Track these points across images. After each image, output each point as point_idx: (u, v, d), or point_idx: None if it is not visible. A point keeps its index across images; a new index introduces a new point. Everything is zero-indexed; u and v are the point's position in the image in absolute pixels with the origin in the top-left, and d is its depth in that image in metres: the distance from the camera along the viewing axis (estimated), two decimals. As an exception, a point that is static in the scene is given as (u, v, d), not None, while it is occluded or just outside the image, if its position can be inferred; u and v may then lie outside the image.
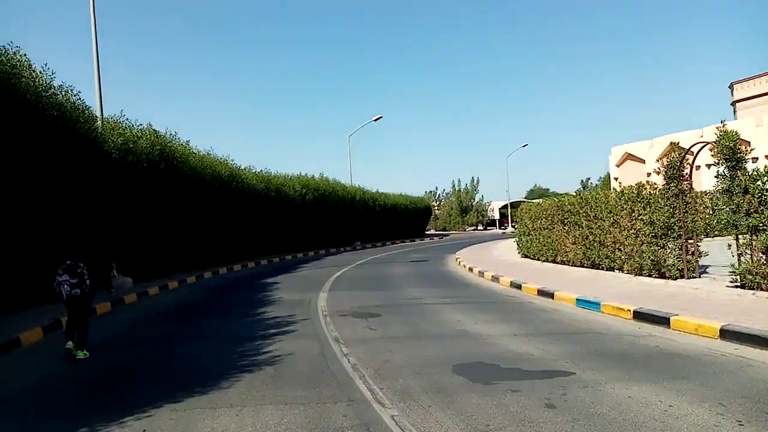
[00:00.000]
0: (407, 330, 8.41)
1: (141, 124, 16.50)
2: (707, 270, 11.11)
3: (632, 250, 11.48)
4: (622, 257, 11.86)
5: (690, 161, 10.31)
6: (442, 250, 29.72)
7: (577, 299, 9.89)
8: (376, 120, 40.35)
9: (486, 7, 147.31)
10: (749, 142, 26.01)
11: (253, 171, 27.12)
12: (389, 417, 4.58)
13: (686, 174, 10.30)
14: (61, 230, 12.02)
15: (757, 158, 25.45)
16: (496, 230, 60.11)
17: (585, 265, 13.57)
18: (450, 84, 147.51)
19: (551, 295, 10.79)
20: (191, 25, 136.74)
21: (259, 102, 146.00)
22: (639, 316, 8.22)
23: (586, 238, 13.22)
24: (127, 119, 15.91)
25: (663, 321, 7.74)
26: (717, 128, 9.26)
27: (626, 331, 7.65)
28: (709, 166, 25.14)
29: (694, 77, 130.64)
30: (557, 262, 15.17)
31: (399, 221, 44.54)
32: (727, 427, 4.02)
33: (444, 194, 72.06)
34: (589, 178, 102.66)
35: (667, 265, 10.56)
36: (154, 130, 16.66)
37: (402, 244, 40.22)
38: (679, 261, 10.34)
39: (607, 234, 12.24)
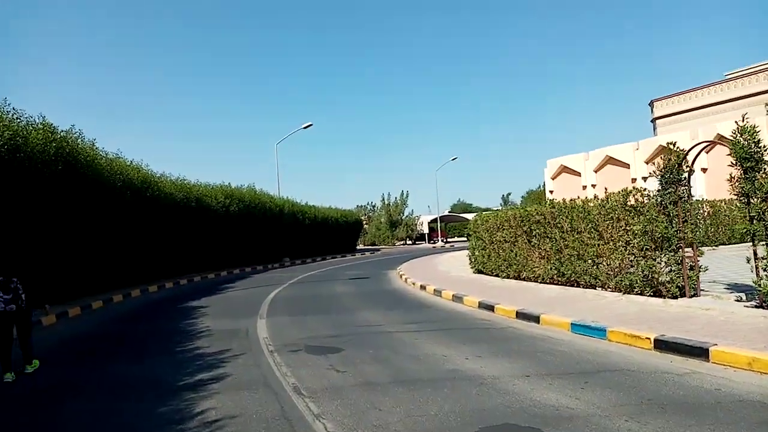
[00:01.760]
0: (385, 371, 6.56)
1: (31, 117, 13.68)
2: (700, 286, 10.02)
3: (619, 264, 10.24)
4: (607, 273, 10.60)
5: (690, 164, 9.19)
6: (379, 266, 28.03)
7: (572, 324, 8.43)
8: (305, 127, 38.26)
9: (420, 16, 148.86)
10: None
11: (171, 179, 24.29)
12: None
13: (684, 179, 9.16)
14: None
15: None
16: (426, 244, 59.28)
17: (558, 282, 12.27)
18: (379, 95, 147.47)
19: (536, 319, 9.30)
20: (99, 16, 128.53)
21: (177, 106, 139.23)
22: (663, 345, 6.82)
23: (560, 252, 11.92)
24: (13, 109, 13.04)
25: (698, 353, 6.36)
26: (736, 122, 8.09)
27: (659, 366, 6.19)
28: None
29: (613, 95, 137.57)
30: (522, 279, 13.83)
31: (329, 236, 42.47)
32: None
33: (372, 208, 70.59)
34: (509, 193, 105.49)
35: (663, 282, 9.35)
36: (48, 123, 13.83)
37: (333, 260, 38.19)
38: (678, 277, 9.14)
39: (588, 247, 10.97)
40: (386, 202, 64.91)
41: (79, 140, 15.68)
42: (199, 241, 25.16)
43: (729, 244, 20.94)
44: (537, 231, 12.73)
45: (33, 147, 12.58)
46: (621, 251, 10.15)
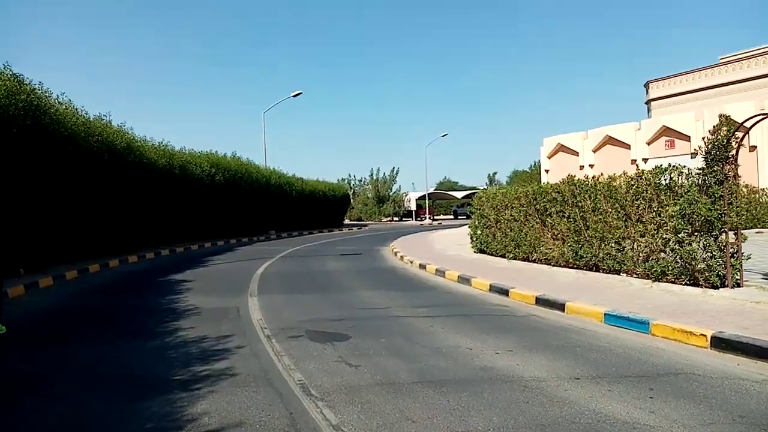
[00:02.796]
0: (405, 367, 5.61)
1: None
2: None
3: (649, 249, 9.36)
4: (633, 258, 9.73)
5: (739, 139, 8.27)
6: (370, 242, 27.06)
7: (606, 314, 7.55)
8: (295, 96, 36.76)
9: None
10: (689, 137, 25.58)
11: (153, 143, 22.88)
12: None
13: (733, 156, 8.25)
14: None
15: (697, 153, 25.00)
16: (413, 221, 58.39)
17: (574, 265, 11.38)
18: (369, 67, 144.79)
19: (560, 307, 8.41)
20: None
21: (162, 68, 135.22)
22: (722, 344, 5.94)
23: (578, 233, 11.02)
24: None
25: (769, 354, 5.50)
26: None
27: (728, 371, 5.30)
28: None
29: (606, 76, 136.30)
30: (531, 261, 12.93)
31: (317, 209, 41.27)
32: None
33: (358, 182, 69.26)
34: (495, 173, 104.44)
35: (701, 270, 8.49)
36: (13, 74, 12.43)
37: (321, 234, 37.11)
38: (719, 265, 8.29)
39: (613, 229, 10.06)
40: (375, 177, 63.68)
41: (48, 96, 14.29)
42: (182, 210, 23.92)
43: (754, 227, 19.89)
44: (552, 210, 11.80)
45: (-1, 100, 11.27)
46: (652, 234, 9.26)
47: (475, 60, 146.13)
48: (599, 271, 10.64)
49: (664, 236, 9.04)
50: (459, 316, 8.43)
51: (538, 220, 12.48)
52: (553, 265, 11.99)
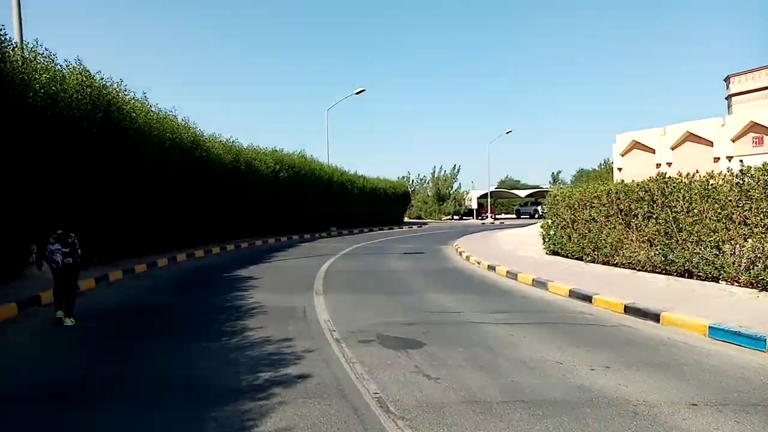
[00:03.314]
0: (491, 382, 5.05)
1: (67, 61, 12.47)
2: None
3: (755, 254, 8.37)
4: (736, 264, 8.74)
5: None
6: (431, 241, 26.46)
7: (711, 327, 6.72)
8: (358, 93, 36.56)
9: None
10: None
11: (221, 140, 23.13)
12: None
13: None
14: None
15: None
16: (474, 220, 57.26)
17: (663, 270, 10.43)
18: (428, 66, 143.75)
19: (654, 317, 7.61)
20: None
21: (228, 66, 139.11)
22: None
23: (669, 236, 10.07)
24: (46, 50, 11.74)
25: None
26: None
27: None
28: None
29: (683, 70, 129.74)
30: (613, 264, 12.01)
31: (377, 207, 41.03)
32: None
33: (419, 180, 68.60)
34: (560, 171, 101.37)
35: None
36: (84, 68, 12.57)
37: (381, 231, 36.82)
38: None
39: (711, 232, 9.09)
40: (435, 175, 62.87)
41: (123, 92, 14.49)
42: (246, 206, 24.10)
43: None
44: (639, 210, 10.87)
45: (70, 94, 11.39)
46: (759, 238, 8.27)
47: (539, 56, 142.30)
48: (692, 278, 9.68)
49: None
50: (540, 324, 7.77)
51: (621, 220, 11.55)
52: (638, 270, 11.06)
